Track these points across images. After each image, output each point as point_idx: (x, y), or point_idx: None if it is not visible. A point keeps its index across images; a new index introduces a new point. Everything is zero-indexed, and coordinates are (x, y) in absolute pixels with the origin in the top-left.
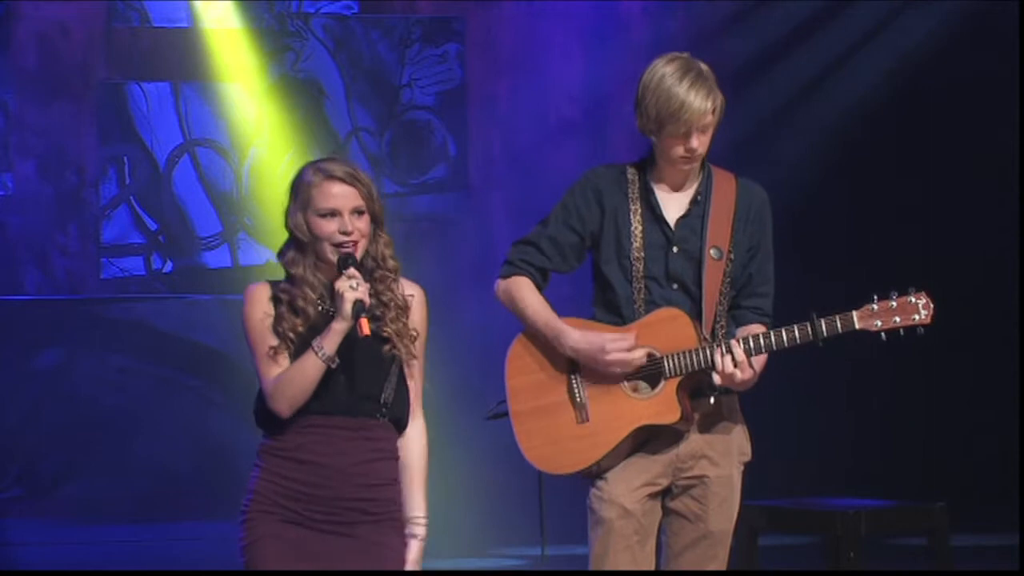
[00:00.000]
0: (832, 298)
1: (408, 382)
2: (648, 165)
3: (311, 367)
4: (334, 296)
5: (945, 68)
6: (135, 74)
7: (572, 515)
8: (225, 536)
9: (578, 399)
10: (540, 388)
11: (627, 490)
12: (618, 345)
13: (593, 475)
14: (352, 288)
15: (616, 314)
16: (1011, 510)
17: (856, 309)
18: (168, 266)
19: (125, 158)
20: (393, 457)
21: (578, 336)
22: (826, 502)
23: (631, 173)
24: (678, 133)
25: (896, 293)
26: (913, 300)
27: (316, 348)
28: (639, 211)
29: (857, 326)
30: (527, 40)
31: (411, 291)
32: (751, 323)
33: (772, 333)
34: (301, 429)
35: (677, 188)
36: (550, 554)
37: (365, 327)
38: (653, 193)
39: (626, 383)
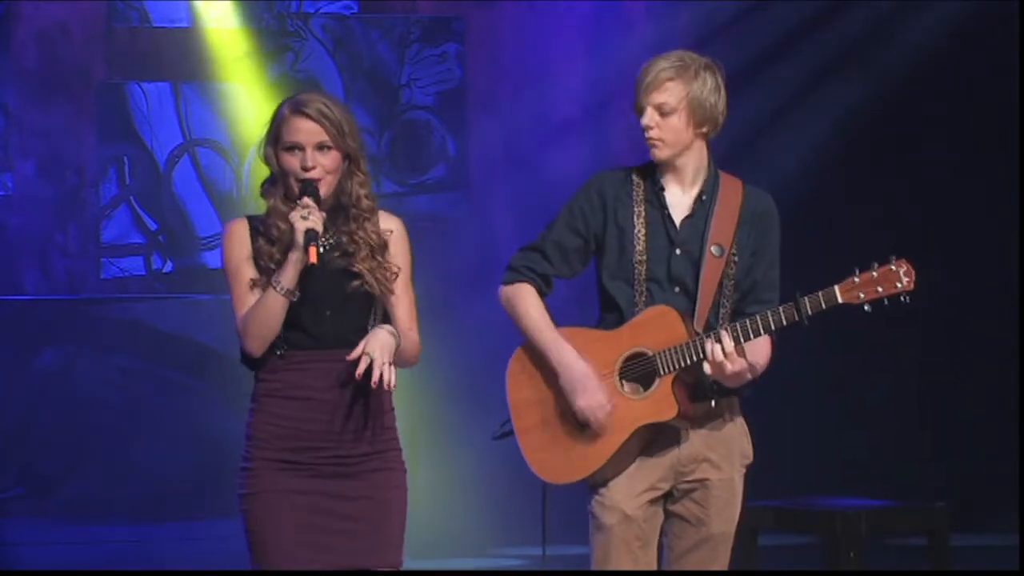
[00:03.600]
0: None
1: (397, 312)
2: (655, 166)
3: (272, 302)
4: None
5: (946, 68)
6: (135, 74)
7: (573, 516)
8: (225, 536)
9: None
10: (540, 401)
11: (628, 496)
12: (601, 407)
13: (598, 483)
14: (303, 218)
15: (619, 317)
16: (1011, 510)
17: (838, 284)
18: (168, 266)
19: (125, 158)
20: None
21: (570, 367)
22: (826, 502)
23: (636, 176)
24: (639, 104)
25: (877, 263)
26: (894, 268)
27: (274, 283)
28: (643, 213)
29: (840, 300)
30: (528, 40)
31: (389, 225)
32: None
33: (759, 317)
34: (294, 366)
35: (682, 186)
36: (551, 554)
37: (312, 255)
38: (664, 193)
39: (624, 385)
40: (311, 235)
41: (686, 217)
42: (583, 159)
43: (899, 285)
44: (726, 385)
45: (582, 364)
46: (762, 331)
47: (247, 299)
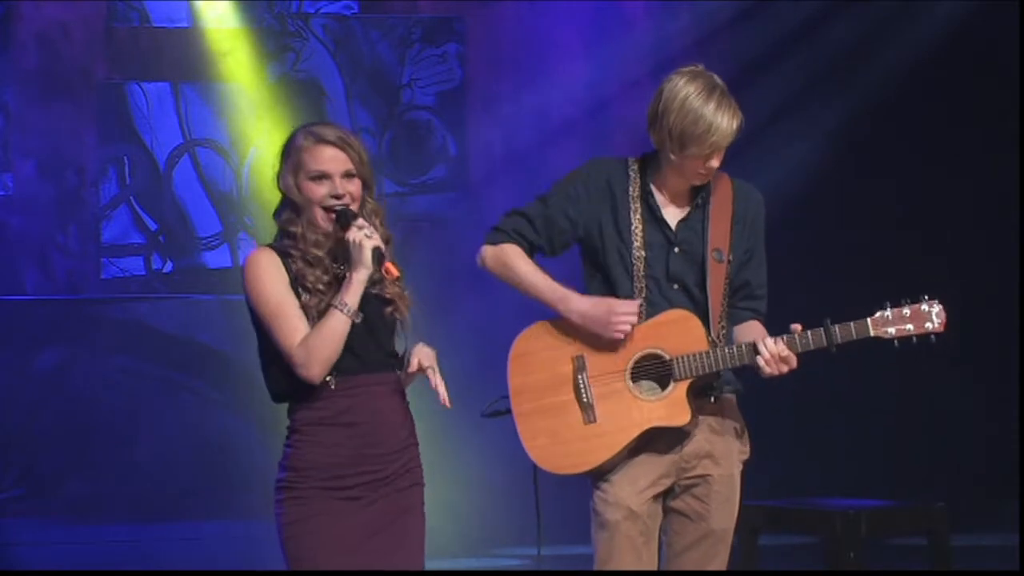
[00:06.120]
0: (831, 301)
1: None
2: (650, 165)
3: (339, 324)
4: (337, 255)
5: (946, 68)
6: (135, 74)
7: (570, 515)
8: (225, 536)
9: (585, 399)
10: (545, 387)
11: (633, 492)
12: (627, 308)
13: (599, 478)
14: (368, 236)
15: None
16: (1011, 510)
17: (870, 316)
18: (168, 266)
19: (125, 158)
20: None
21: (586, 302)
22: (826, 502)
23: (633, 170)
24: (701, 155)
25: (909, 300)
26: (926, 308)
27: (340, 306)
28: (639, 210)
29: (872, 333)
30: (528, 40)
31: None
32: (748, 321)
33: (786, 339)
34: (343, 392)
35: (678, 192)
36: (546, 554)
37: (393, 269)
38: (653, 196)
39: (632, 383)
40: (378, 253)
41: (682, 219)
42: (583, 159)
43: (929, 326)
44: (763, 376)
45: (596, 299)
46: (800, 349)
47: (300, 326)
